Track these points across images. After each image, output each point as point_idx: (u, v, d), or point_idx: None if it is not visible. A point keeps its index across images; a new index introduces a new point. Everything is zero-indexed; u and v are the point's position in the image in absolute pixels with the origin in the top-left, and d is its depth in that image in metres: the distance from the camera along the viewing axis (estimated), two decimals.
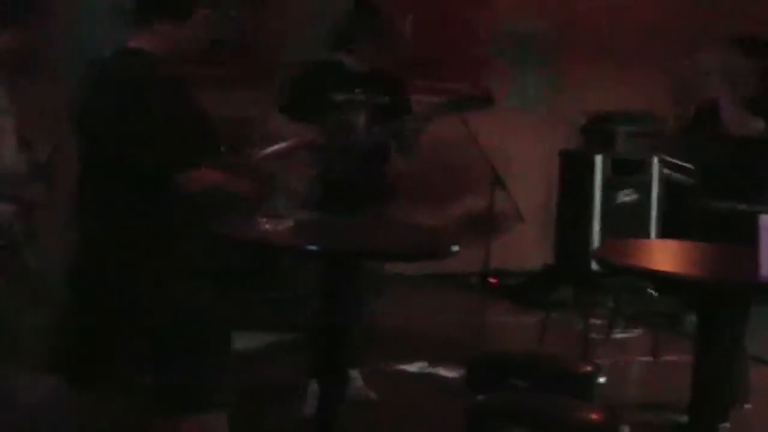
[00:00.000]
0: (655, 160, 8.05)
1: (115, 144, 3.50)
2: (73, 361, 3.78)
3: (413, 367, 6.18)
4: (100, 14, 7.72)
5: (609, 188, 8.11)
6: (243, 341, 6.33)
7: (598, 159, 8.12)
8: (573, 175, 8.39)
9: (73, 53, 7.66)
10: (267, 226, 3.58)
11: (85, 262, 3.71)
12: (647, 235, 7.94)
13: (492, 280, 6.67)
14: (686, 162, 6.76)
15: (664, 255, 4.56)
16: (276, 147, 4.10)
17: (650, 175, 8.14)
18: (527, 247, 8.68)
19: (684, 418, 4.20)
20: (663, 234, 7.99)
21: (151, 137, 3.46)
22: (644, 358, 6.89)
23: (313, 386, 5.19)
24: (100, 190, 3.61)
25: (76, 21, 7.75)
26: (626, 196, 8.16)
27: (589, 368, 4.06)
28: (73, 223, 3.73)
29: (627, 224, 8.05)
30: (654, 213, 8.16)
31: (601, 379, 3.98)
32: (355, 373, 5.44)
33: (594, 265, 6.76)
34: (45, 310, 4.72)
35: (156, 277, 3.55)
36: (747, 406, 5.35)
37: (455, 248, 3.63)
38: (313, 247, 3.63)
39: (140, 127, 3.46)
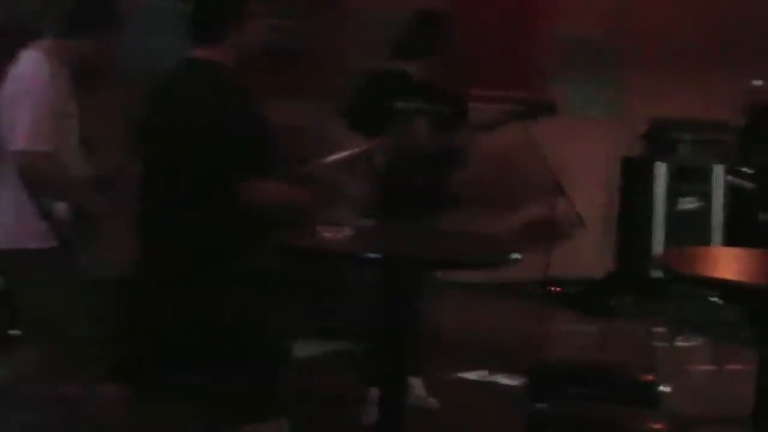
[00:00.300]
0: (718, 167, 7.97)
1: (187, 153, 3.53)
2: (134, 367, 3.81)
3: (474, 375, 6.16)
4: (162, 24, 7.83)
5: (671, 195, 8.06)
6: (304, 349, 6.38)
7: (660, 166, 8.07)
8: (634, 182, 8.35)
9: (138, 63, 7.79)
10: (327, 235, 3.59)
11: (148, 270, 3.74)
12: (709, 243, 7.87)
13: (553, 288, 6.63)
14: (747, 168, 6.69)
15: (728, 263, 4.51)
16: (336, 156, 4.10)
17: (712, 182, 8.07)
18: (588, 255, 8.62)
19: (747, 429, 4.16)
20: (726, 242, 7.91)
21: (224, 146, 3.48)
22: (707, 367, 6.82)
23: (373, 394, 5.21)
24: (166, 198, 3.64)
25: (141, 31, 7.84)
26: (688, 204, 8.10)
27: (651, 377, 4.02)
28: (137, 230, 3.75)
29: (689, 231, 8.00)
30: (716, 220, 8.09)
31: (664, 389, 3.95)
32: (416, 381, 5.44)
33: (655, 273, 6.71)
34: (95, 313, 4.79)
35: (220, 285, 3.57)
36: None
37: (517, 256, 3.62)
38: (373, 256, 3.63)
39: (214, 136, 3.48)
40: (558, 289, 7.97)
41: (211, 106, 3.55)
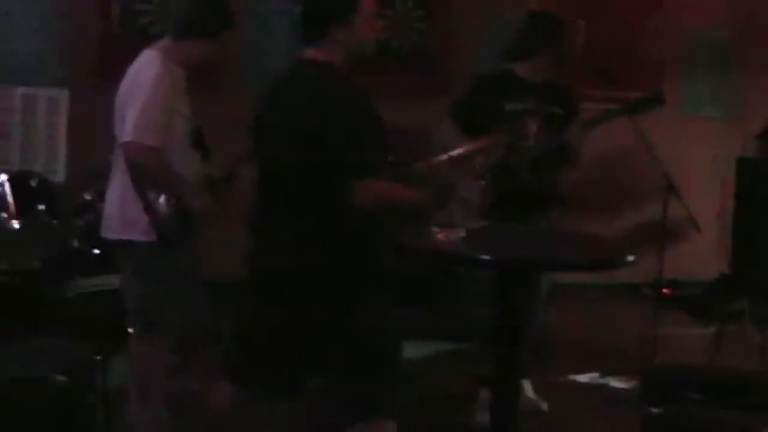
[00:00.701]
0: None
1: (301, 154, 3.54)
2: (248, 366, 3.85)
3: (584, 378, 6.11)
4: (271, 26, 7.91)
5: None
6: (415, 350, 6.39)
7: None
8: (750, 183, 8.20)
9: (251, 65, 7.88)
10: (440, 236, 3.58)
11: (262, 270, 3.77)
12: None
13: (665, 291, 6.54)
14: None
15: None
16: (445, 156, 4.09)
17: None
18: (702, 257, 8.49)
19: None
20: None
21: (338, 146, 3.49)
22: None
23: (483, 395, 5.20)
24: (282, 199, 3.66)
25: (251, 33, 7.93)
26: None
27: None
28: (251, 231, 3.79)
29: None
30: None
31: None
32: (526, 383, 5.42)
33: None
34: (199, 311, 4.84)
35: (333, 285, 3.58)
36: None
37: (631, 258, 3.57)
38: (486, 257, 3.61)
39: (326, 136, 3.49)
40: (670, 291, 7.85)
41: (319, 106, 3.55)
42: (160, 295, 4.54)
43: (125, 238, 4.53)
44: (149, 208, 4.43)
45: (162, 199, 4.42)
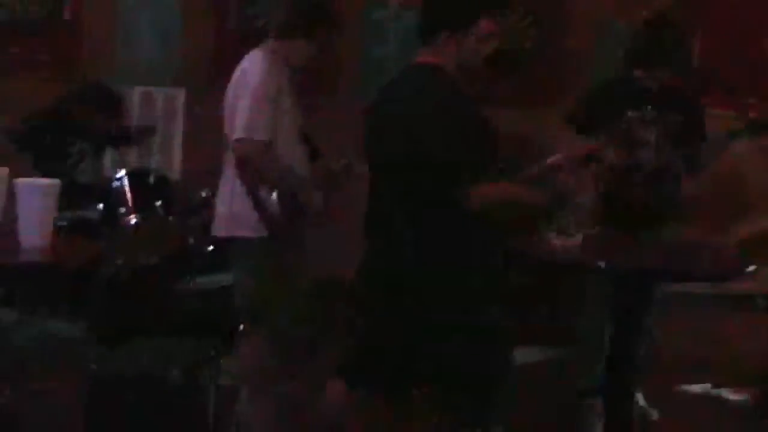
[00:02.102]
0: None
1: (414, 157, 3.54)
2: (362, 368, 3.86)
3: (697, 388, 6.00)
4: (385, 32, 7.93)
5: None
6: (523, 356, 6.34)
7: None
8: None
9: (365, 71, 7.93)
10: (557, 242, 3.56)
11: (372, 271, 3.77)
12: None
13: None
14: None
15: None
16: (554, 158, 4.04)
17: None
18: None
19: None
20: None
21: (458, 150, 3.48)
22: None
23: (588, 403, 5.14)
24: (394, 205, 3.66)
25: (366, 39, 7.97)
26: None
27: None
28: (365, 231, 3.79)
29: None
30: None
31: None
32: (637, 393, 5.34)
33: None
34: (309, 310, 4.87)
35: (446, 289, 3.57)
36: None
37: (752, 268, 3.49)
38: (603, 265, 3.57)
39: (450, 140, 3.48)
40: None
41: (426, 109, 3.54)
42: (269, 292, 4.58)
43: (235, 234, 4.58)
44: (259, 204, 4.47)
45: (274, 195, 4.46)
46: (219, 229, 4.70)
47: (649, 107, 5.12)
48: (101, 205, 6.11)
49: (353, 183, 4.64)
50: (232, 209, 4.57)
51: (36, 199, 3.39)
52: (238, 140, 4.41)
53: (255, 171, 4.46)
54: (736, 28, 8.42)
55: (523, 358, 6.24)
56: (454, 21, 3.62)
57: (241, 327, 5.84)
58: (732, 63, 7.26)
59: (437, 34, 3.62)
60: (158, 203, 6.05)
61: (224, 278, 5.92)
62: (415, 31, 3.77)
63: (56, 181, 3.48)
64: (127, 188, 6.07)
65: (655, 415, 5.37)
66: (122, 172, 6.22)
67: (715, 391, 5.89)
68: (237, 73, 4.62)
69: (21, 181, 3.43)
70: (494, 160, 3.62)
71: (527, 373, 6.05)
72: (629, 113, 5.11)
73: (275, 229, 4.49)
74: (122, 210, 6.03)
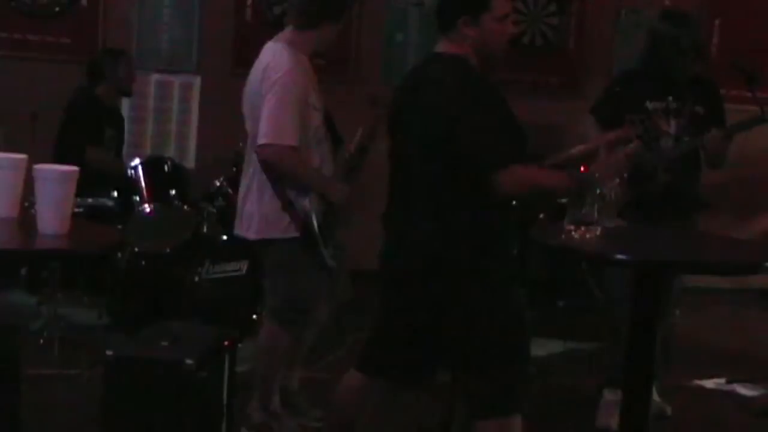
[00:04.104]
0: None
1: (439, 147, 3.53)
2: (381, 357, 3.85)
3: (710, 383, 5.99)
4: (407, 18, 7.93)
5: None
6: (540, 348, 6.33)
7: None
8: None
9: (386, 56, 7.93)
10: (575, 234, 3.53)
11: (396, 263, 3.75)
12: None
13: None
14: None
15: None
16: (576, 149, 4.03)
17: None
18: None
19: None
20: None
21: (478, 138, 3.47)
22: None
23: (608, 397, 5.13)
24: (416, 193, 3.65)
25: (388, 25, 7.97)
26: None
27: None
28: (387, 223, 3.78)
29: None
30: None
31: None
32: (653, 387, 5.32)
33: None
34: (334, 303, 4.87)
35: (471, 281, 3.56)
36: None
37: None
38: (623, 257, 3.55)
39: (468, 128, 3.47)
40: None
41: (450, 97, 3.53)
42: (303, 291, 4.56)
43: (266, 237, 4.53)
44: (289, 205, 4.44)
45: (307, 199, 4.43)
46: (249, 232, 4.60)
47: (671, 98, 5.10)
48: (116, 193, 6.11)
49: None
50: (262, 211, 4.50)
51: (54, 185, 3.37)
52: (267, 146, 4.32)
53: (285, 175, 4.41)
54: (755, 19, 8.42)
55: (544, 350, 6.27)
56: (468, 4, 3.61)
57: (255, 316, 5.89)
58: (750, 54, 7.25)
59: (456, 20, 3.61)
60: (173, 192, 6.03)
61: (239, 267, 5.94)
62: (435, 17, 3.76)
63: (75, 168, 3.46)
64: (141, 176, 6.06)
65: (669, 410, 5.36)
66: (137, 161, 6.21)
67: (729, 386, 5.88)
68: (259, 69, 4.47)
69: (40, 168, 3.41)
70: (521, 146, 3.61)
71: (547, 364, 6.06)
72: (651, 104, 5.08)
73: (309, 230, 4.46)
74: (136, 198, 6.01)
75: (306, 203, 4.44)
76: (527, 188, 3.54)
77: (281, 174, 4.40)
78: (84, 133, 6.43)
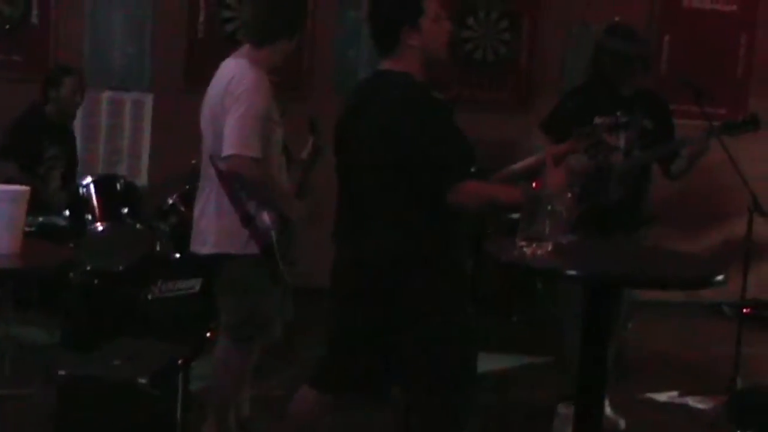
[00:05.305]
0: None
1: (379, 162, 3.55)
2: (332, 373, 3.85)
3: (663, 397, 6.03)
4: (358, 34, 7.96)
5: None
6: (498, 362, 6.36)
7: None
8: None
9: (337, 72, 7.95)
10: (527, 249, 3.55)
11: (349, 278, 3.76)
12: None
13: (746, 310, 6.43)
14: None
15: None
16: (523, 163, 4.06)
17: None
18: None
19: None
20: None
21: (436, 152, 3.48)
22: None
23: (563, 411, 5.15)
24: (367, 209, 3.66)
25: (338, 41, 8.00)
26: None
27: None
28: (337, 239, 3.78)
29: None
30: None
31: None
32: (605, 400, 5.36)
33: None
34: (290, 319, 4.86)
35: (421, 295, 3.57)
36: None
37: (721, 277, 3.50)
38: (574, 272, 3.57)
39: (426, 142, 3.49)
40: (752, 311, 7.72)
41: (401, 115, 3.55)
42: (260, 307, 4.55)
43: (224, 251, 4.52)
44: (248, 221, 4.43)
45: (265, 214, 4.42)
46: (205, 247, 4.59)
47: (619, 112, 5.15)
48: (67, 212, 6.07)
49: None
50: (220, 226, 4.49)
51: (7, 205, 3.36)
52: (232, 157, 4.31)
53: (249, 188, 4.40)
54: (704, 37, 8.54)
55: (499, 364, 6.30)
56: (405, 14, 3.63)
57: (208, 334, 5.88)
58: (699, 71, 7.36)
59: (398, 34, 3.64)
60: (125, 210, 6.01)
61: (192, 285, 5.92)
62: (374, 41, 3.78)
63: (26, 188, 3.45)
64: (93, 195, 6.03)
65: (622, 424, 5.39)
66: (89, 179, 6.18)
67: (681, 399, 5.93)
68: (219, 84, 4.47)
69: None
70: (472, 160, 3.63)
71: (502, 378, 6.09)
72: (599, 118, 5.13)
73: (269, 246, 4.45)
74: (89, 217, 5.98)
75: (267, 219, 4.44)
76: (482, 203, 3.57)
77: (245, 185, 4.39)
78: (18, 154, 6.39)
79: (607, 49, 5.30)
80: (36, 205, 5.90)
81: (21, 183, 6.13)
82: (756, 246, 6.27)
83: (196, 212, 4.62)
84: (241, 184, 4.37)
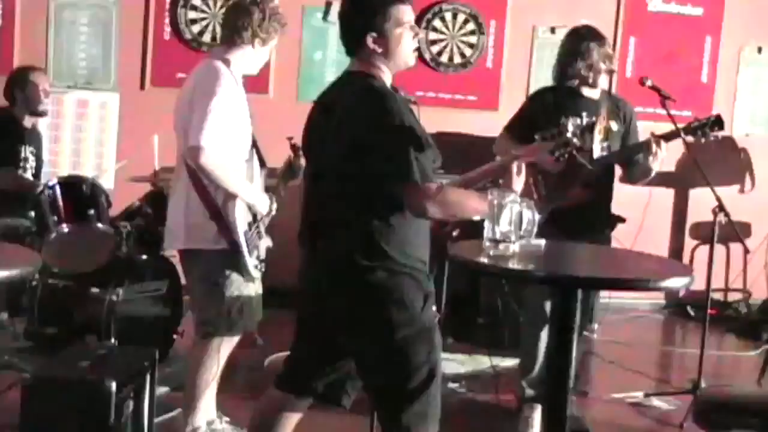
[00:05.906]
0: None
1: (345, 164, 3.55)
2: (295, 374, 3.86)
3: (628, 397, 6.06)
4: (327, 36, 7.97)
5: None
6: (464, 363, 6.38)
7: None
8: None
9: (306, 74, 7.94)
10: (493, 252, 3.56)
11: (312, 279, 3.76)
12: None
13: (712, 311, 6.48)
14: None
15: None
16: (489, 165, 4.06)
17: None
18: (751, 278, 8.46)
19: None
20: None
21: (399, 156, 3.48)
22: None
23: (527, 412, 5.17)
24: (330, 210, 3.66)
25: (307, 43, 7.99)
26: None
27: None
28: (303, 240, 3.78)
29: None
30: None
31: None
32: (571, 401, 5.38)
33: None
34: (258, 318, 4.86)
35: (380, 296, 3.56)
36: None
37: (687, 280, 3.52)
38: (540, 274, 3.59)
39: (390, 146, 3.49)
40: (717, 312, 7.79)
41: (362, 116, 3.55)
42: (227, 303, 4.55)
43: (194, 247, 4.53)
44: (217, 215, 4.44)
45: (235, 209, 4.44)
46: (175, 243, 4.62)
47: (584, 114, 5.17)
48: (33, 213, 6.03)
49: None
50: (188, 221, 4.51)
51: None
52: (195, 149, 4.32)
53: (212, 179, 4.41)
54: (670, 40, 8.61)
55: (465, 366, 6.31)
56: (370, 20, 3.64)
57: (175, 336, 5.86)
58: (664, 73, 7.42)
59: (363, 39, 3.64)
60: (91, 211, 5.97)
61: (159, 286, 5.90)
62: (342, 41, 3.79)
63: None
64: (59, 196, 5.98)
65: (588, 425, 5.42)
66: (54, 180, 6.14)
67: (646, 400, 5.96)
68: (191, 84, 4.53)
69: None
70: (436, 162, 3.63)
71: (468, 379, 6.10)
72: (564, 120, 5.14)
73: (237, 241, 4.46)
74: (54, 219, 5.94)
75: (234, 213, 4.45)
76: (447, 208, 3.56)
77: (208, 177, 4.40)
78: None
79: (569, 50, 5.34)
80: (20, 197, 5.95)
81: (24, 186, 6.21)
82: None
83: (168, 211, 4.65)
84: (204, 175, 4.39)
